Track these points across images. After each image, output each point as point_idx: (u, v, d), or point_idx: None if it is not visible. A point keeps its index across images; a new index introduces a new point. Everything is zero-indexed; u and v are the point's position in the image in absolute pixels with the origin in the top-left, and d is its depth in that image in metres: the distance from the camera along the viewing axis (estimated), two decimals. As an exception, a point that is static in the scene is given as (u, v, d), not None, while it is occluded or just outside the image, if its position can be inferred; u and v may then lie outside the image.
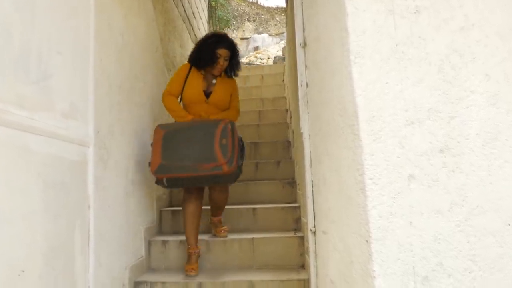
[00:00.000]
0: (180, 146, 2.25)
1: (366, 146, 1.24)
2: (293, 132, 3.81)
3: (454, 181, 1.28)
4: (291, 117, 4.32)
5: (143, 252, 2.54)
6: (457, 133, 1.31)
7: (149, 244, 2.67)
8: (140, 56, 2.73)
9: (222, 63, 2.55)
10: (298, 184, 3.21)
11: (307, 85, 1.74)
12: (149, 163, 2.31)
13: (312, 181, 1.71)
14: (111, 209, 2.02)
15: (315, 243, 1.69)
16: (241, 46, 12.16)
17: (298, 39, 1.76)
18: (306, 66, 1.75)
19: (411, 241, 1.24)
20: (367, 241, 1.22)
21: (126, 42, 2.37)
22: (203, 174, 2.19)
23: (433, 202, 1.27)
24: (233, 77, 2.71)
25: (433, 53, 1.33)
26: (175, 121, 2.55)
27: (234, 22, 13.80)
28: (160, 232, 3.01)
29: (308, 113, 1.73)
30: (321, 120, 1.55)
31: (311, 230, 1.69)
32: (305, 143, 1.72)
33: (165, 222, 3.04)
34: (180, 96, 2.59)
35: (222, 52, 2.53)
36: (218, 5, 11.44)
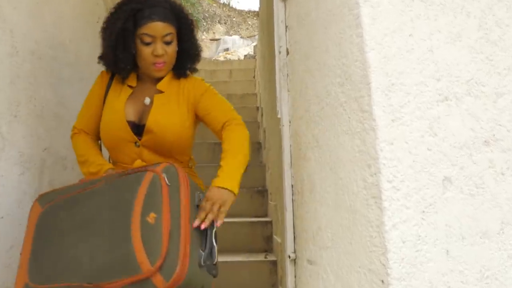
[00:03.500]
0: (65, 243, 1.08)
1: (382, 128, 0.83)
2: (264, 131, 3.41)
3: (505, 188, 0.92)
4: (262, 115, 3.92)
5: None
6: (508, 117, 0.94)
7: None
8: (73, 23, 2.24)
9: (161, 50, 1.25)
10: (271, 194, 2.78)
11: (287, 52, 1.32)
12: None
13: (292, 186, 1.28)
14: (5, 224, 1.51)
15: (295, 276, 1.25)
16: (211, 48, 11.79)
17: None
18: (286, 27, 1.33)
19: (448, 280, 0.85)
20: (382, 281, 0.81)
21: (50, -3, 1.87)
22: None
23: (477, 219, 0.90)
24: (190, 74, 1.40)
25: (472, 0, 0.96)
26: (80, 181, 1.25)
27: (205, 24, 13.48)
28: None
29: (288, 90, 1.31)
30: (307, 97, 1.13)
31: (289, 256, 1.26)
32: (284, 132, 1.30)
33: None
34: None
35: (154, 29, 1.24)
36: (188, 4, 11.10)
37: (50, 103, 1.93)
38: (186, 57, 1.36)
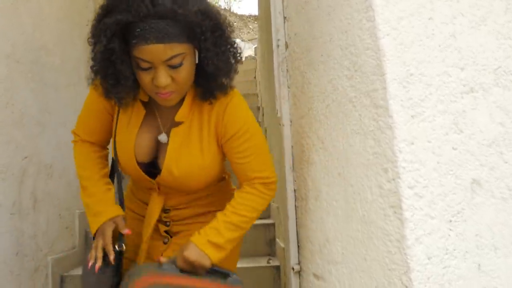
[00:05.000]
0: None
1: (400, 126, 0.72)
2: (266, 130, 3.29)
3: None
4: (263, 115, 3.81)
5: (49, 295, 1.89)
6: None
7: (61, 281, 2.02)
8: (58, 25, 2.12)
9: (164, 79, 0.87)
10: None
11: (286, 45, 1.20)
12: None
13: (295, 191, 1.16)
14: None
15: (300, 290, 1.13)
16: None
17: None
18: (285, 18, 1.21)
19: (481, 300, 0.72)
20: (406, 305, 0.68)
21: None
22: None
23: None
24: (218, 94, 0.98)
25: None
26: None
27: (206, 29, 13.55)
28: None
29: (288, 87, 1.19)
30: (310, 94, 1.01)
31: (293, 268, 1.14)
32: (284, 133, 1.18)
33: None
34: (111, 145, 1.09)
35: (150, 54, 0.85)
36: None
37: (31, 109, 1.80)
38: (213, 77, 0.93)
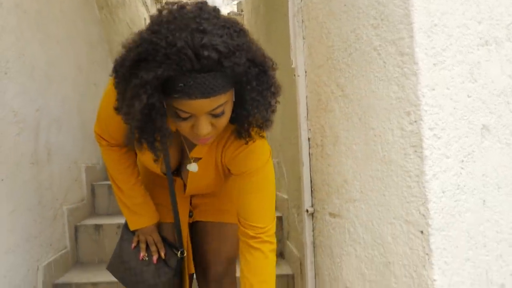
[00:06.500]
0: None
1: (424, 73, 0.78)
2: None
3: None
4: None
5: (66, 242, 1.97)
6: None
7: (76, 230, 2.10)
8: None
9: (205, 129, 0.82)
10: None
11: (302, -4, 1.22)
12: None
13: (309, 139, 1.23)
14: (6, 186, 1.43)
15: (314, 229, 1.23)
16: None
17: None
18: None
19: (484, 230, 0.83)
20: (422, 232, 0.78)
21: None
22: None
23: (513, 168, 0.85)
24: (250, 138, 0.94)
25: None
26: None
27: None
28: (93, 213, 2.43)
29: (304, 38, 1.22)
30: (330, 43, 1.05)
31: (307, 211, 1.22)
32: (299, 84, 1.22)
33: (99, 201, 2.46)
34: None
35: (194, 108, 0.79)
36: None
37: (39, 61, 1.80)
38: (252, 119, 0.87)
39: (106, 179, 2.63)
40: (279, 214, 2.14)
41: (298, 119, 1.25)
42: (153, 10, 3.15)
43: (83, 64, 2.42)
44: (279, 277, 1.87)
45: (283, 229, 2.10)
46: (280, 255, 2.10)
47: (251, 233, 1.00)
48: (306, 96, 1.23)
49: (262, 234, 1.00)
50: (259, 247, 1.00)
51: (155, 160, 0.91)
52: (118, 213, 2.35)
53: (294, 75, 1.26)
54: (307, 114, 1.23)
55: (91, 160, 2.46)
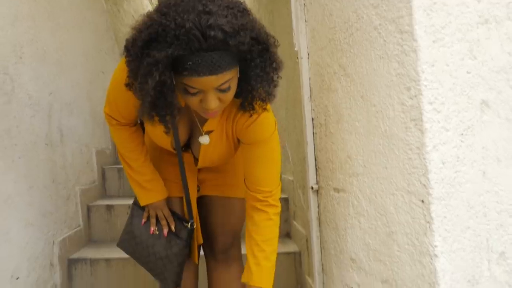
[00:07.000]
0: None
1: (423, 50, 0.80)
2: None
3: (539, 112, 0.90)
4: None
5: (80, 220, 2.04)
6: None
7: (88, 210, 2.17)
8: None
9: (213, 103, 0.88)
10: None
11: (306, -21, 1.24)
12: None
13: (313, 119, 1.26)
14: (23, 164, 1.49)
15: (319, 205, 1.27)
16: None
17: None
18: (305, -49, 1.24)
19: (484, 200, 0.86)
20: (423, 201, 0.81)
21: None
22: None
23: (512, 142, 0.88)
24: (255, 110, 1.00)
25: None
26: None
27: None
28: (105, 195, 2.50)
29: (306, 21, 1.24)
30: (332, 25, 1.08)
31: (312, 188, 1.27)
32: (302, 65, 1.25)
33: (110, 183, 2.53)
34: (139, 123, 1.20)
35: (202, 84, 0.84)
36: None
37: (51, 47, 1.84)
38: (255, 93, 0.93)
39: (116, 163, 2.70)
40: (285, 196, 2.19)
41: (302, 100, 1.29)
42: (156, 3, 3.16)
43: (91, 52, 2.46)
44: (286, 254, 1.93)
45: (289, 210, 2.16)
46: (287, 235, 2.16)
47: (259, 196, 1.08)
48: (310, 78, 1.26)
49: (269, 197, 1.09)
50: (266, 209, 1.09)
51: (166, 132, 0.97)
52: (129, 195, 2.42)
53: (297, 58, 1.29)
54: (311, 95, 1.26)
55: (101, 144, 2.51)
